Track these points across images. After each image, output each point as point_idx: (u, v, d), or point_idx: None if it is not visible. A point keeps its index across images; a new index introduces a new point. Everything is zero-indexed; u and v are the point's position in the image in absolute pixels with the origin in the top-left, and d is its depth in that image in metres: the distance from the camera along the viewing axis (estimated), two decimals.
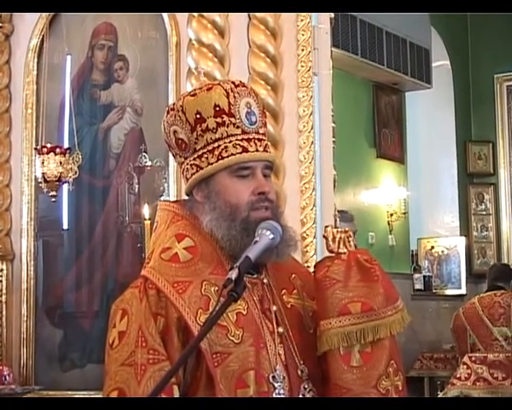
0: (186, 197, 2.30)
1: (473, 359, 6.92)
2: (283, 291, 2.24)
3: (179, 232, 2.18)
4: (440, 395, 7.30)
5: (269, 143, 2.26)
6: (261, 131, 2.22)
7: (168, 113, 2.23)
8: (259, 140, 2.20)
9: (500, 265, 8.64)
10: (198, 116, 2.16)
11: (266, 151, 2.22)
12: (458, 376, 6.94)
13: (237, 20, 4.27)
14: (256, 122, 2.20)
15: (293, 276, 2.30)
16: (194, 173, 2.19)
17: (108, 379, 2.05)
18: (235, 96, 2.18)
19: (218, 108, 2.16)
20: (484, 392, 6.82)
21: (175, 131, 2.21)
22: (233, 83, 2.23)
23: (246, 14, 4.25)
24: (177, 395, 2.02)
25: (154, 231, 2.27)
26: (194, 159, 2.19)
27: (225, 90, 2.18)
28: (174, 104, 2.22)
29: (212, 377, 2.03)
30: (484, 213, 10.67)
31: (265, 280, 2.21)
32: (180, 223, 2.21)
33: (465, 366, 6.91)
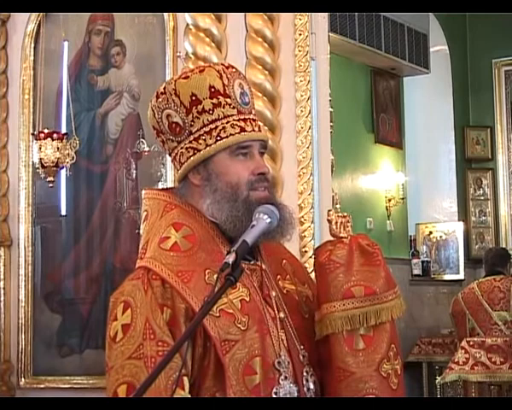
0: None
1: (471, 343, 6.94)
2: (278, 277, 2.24)
3: (175, 221, 2.15)
4: (438, 379, 7.31)
5: (261, 124, 2.25)
6: (253, 111, 2.23)
7: (158, 97, 2.19)
8: (253, 120, 2.20)
9: (497, 249, 8.63)
10: (193, 98, 2.14)
11: (261, 131, 2.22)
12: (456, 360, 6.96)
13: None
14: (249, 103, 2.21)
15: (284, 262, 2.30)
16: (190, 157, 2.16)
17: (114, 373, 2.00)
18: (228, 78, 2.17)
19: (213, 89, 2.15)
20: (482, 376, 6.84)
21: (168, 115, 2.17)
22: (223, 65, 2.23)
23: None
24: (187, 386, 2.00)
25: (144, 221, 2.22)
26: (190, 142, 2.16)
27: (218, 72, 2.17)
28: (164, 88, 2.19)
29: (221, 366, 2.02)
30: (482, 198, 10.66)
31: (264, 266, 2.20)
32: (174, 211, 2.17)
33: (463, 351, 6.92)
